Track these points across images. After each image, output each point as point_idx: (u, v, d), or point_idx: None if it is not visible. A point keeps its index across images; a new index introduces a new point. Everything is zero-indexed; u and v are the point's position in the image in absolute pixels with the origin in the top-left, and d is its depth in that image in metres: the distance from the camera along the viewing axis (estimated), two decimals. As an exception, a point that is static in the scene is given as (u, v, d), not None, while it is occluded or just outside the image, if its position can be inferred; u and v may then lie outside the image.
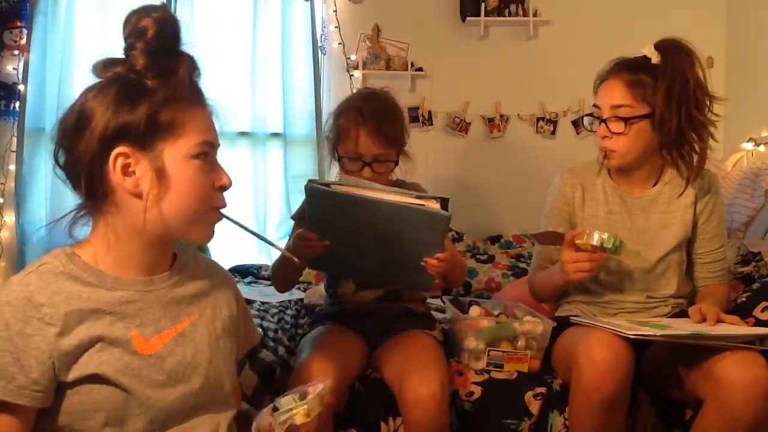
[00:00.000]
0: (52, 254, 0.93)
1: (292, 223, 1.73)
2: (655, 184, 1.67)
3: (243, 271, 2.67)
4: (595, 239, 1.43)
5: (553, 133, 3.15)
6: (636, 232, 1.64)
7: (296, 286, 2.40)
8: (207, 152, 0.95)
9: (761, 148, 2.73)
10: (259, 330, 1.60)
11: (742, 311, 1.60)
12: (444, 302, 1.87)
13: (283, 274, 1.65)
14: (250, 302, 2.08)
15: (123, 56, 0.93)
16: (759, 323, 1.55)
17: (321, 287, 2.02)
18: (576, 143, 3.13)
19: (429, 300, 1.87)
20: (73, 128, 0.91)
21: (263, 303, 2.14)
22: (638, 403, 1.54)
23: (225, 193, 1.00)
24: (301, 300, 2.26)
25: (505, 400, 1.57)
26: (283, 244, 1.72)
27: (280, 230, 2.98)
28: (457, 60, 3.11)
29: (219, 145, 0.99)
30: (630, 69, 1.57)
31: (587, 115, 1.66)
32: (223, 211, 1.00)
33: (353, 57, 3.05)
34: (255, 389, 1.54)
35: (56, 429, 0.90)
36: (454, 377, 1.59)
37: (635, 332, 1.35)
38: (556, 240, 1.54)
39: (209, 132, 0.96)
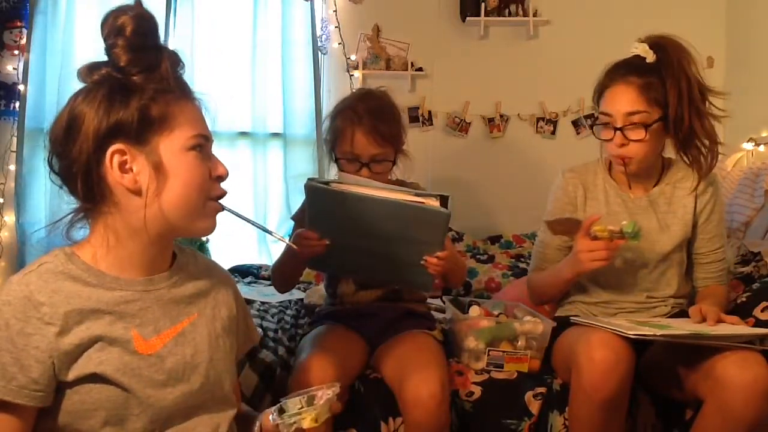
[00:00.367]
0: (51, 254, 0.94)
1: (292, 223, 1.73)
2: (655, 185, 1.67)
3: (243, 271, 2.67)
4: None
5: (553, 133, 3.15)
6: (636, 232, 1.64)
7: (296, 286, 2.40)
8: (201, 144, 0.95)
9: (761, 148, 2.73)
10: (259, 330, 1.59)
11: (742, 311, 1.60)
12: (444, 302, 1.87)
13: (283, 274, 1.65)
14: (250, 302, 2.08)
15: (105, 58, 0.93)
16: (759, 323, 1.55)
17: (321, 287, 2.02)
18: (576, 143, 3.13)
19: (429, 300, 1.87)
20: (66, 133, 0.91)
21: (263, 303, 2.14)
22: (638, 403, 1.54)
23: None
24: (301, 300, 2.26)
25: (505, 400, 1.57)
26: (282, 244, 1.72)
27: (280, 230, 2.97)
28: (457, 60, 3.11)
29: (212, 139, 0.99)
30: (636, 72, 1.54)
31: (594, 124, 1.62)
32: (222, 202, 1.00)
33: (353, 57, 3.05)
34: (255, 389, 1.54)
35: (56, 428, 0.90)
36: (454, 377, 1.59)
37: (635, 332, 1.35)
38: (572, 228, 1.52)
39: (201, 124, 0.97)
